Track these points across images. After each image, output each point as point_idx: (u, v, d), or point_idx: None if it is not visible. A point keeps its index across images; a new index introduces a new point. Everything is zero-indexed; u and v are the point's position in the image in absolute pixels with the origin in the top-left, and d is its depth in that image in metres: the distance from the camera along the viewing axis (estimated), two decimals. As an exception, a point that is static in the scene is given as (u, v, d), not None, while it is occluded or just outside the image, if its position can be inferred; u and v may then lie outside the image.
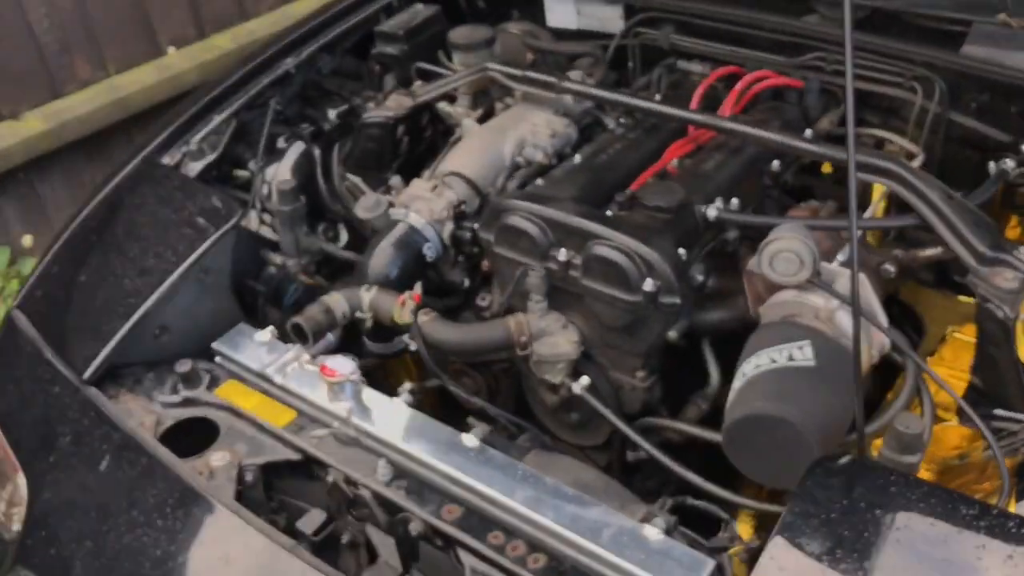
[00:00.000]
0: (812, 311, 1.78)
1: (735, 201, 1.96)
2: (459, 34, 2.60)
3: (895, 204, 2.01)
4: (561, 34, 2.69)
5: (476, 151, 2.22)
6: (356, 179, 2.48)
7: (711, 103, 2.25)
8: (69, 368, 1.90)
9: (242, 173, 2.43)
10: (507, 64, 2.41)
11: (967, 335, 1.97)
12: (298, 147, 2.49)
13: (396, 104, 2.42)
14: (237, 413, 1.84)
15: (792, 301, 1.80)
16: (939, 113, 2.15)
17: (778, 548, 1.34)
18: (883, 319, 1.75)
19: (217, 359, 1.97)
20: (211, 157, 2.36)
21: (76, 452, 1.79)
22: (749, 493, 1.92)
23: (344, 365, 1.78)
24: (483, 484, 1.62)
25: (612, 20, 2.58)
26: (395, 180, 2.22)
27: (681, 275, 1.82)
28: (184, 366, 1.88)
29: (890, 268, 1.89)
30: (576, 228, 1.88)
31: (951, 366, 1.91)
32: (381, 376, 2.21)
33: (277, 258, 2.22)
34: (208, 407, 1.86)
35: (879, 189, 2.19)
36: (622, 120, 2.28)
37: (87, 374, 1.89)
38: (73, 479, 1.75)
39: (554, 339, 1.91)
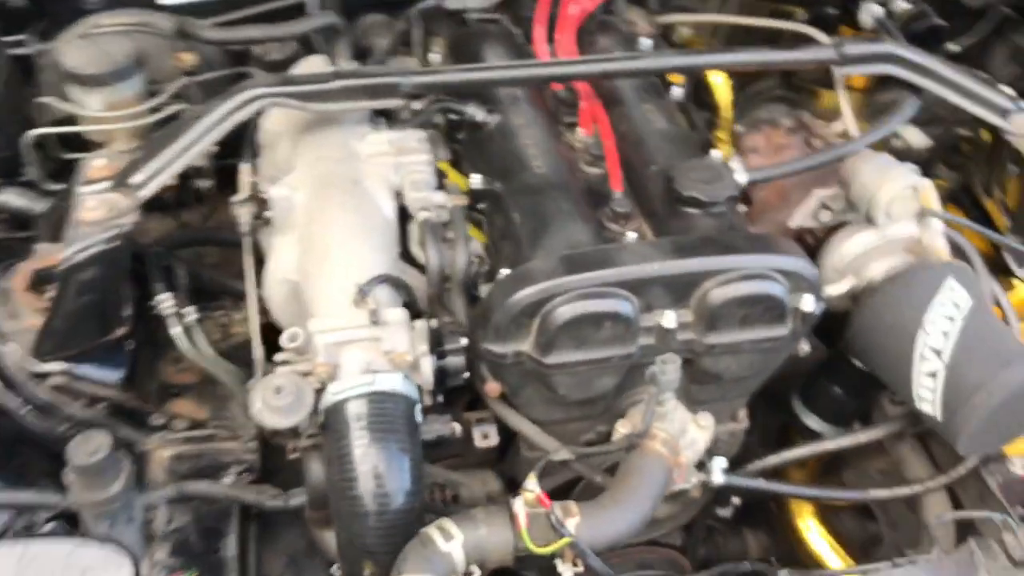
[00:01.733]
0: (905, 245, 1.48)
1: (718, 154, 1.50)
2: (84, 61, 1.50)
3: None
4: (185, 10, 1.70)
5: (352, 233, 1.33)
6: (61, 365, 1.36)
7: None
8: None
9: None
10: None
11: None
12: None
13: (111, 209, 1.32)
14: None
15: (877, 244, 1.47)
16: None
17: None
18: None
19: None
20: None
21: None
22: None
23: None
24: None
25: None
26: (293, 334, 1.22)
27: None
28: None
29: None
30: (678, 274, 1.25)
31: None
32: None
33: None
34: None
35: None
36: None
37: None
38: None
39: (691, 437, 1.31)
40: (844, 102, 1.60)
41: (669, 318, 1.26)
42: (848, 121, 1.59)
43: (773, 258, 1.28)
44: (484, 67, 1.49)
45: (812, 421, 1.66)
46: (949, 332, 1.35)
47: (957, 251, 1.55)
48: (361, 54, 1.70)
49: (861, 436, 1.53)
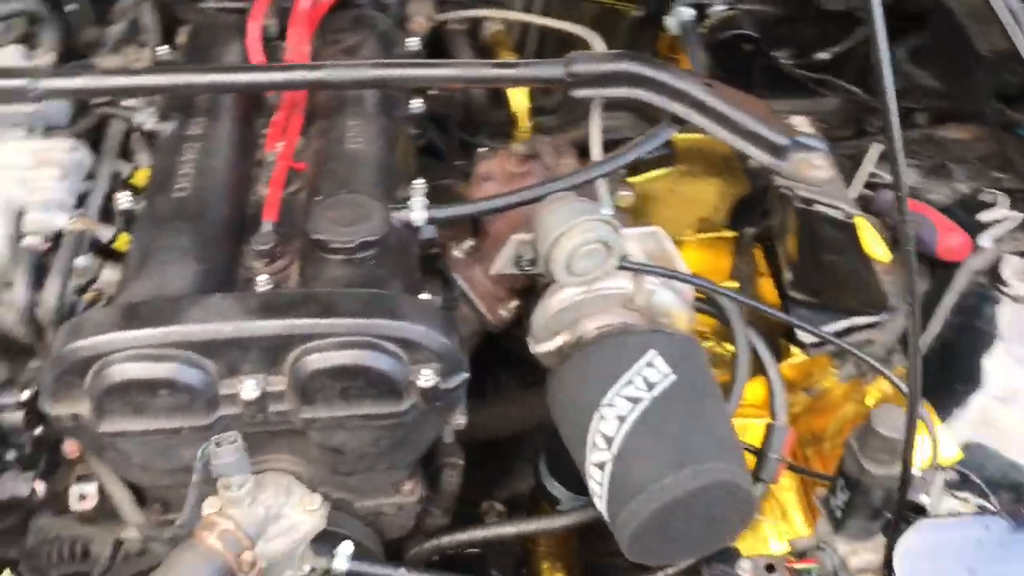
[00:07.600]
0: (619, 301, 1.23)
1: (420, 185, 1.27)
2: None
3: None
4: None
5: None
6: None
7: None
8: None
9: None
10: None
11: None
12: None
13: None
14: None
15: (583, 300, 1.23)
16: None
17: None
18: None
19: None
20: None
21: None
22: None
23: None
24: None
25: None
26: None
27: (455, 336, 1.12)
28: None
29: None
30: (261, 335, 1.05)
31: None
32: None
33: None
34: None
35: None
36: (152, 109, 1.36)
37: None
38: None
39: (287, 522, 1.11)
40: (594, 127, 1.35)
41: (249, 388, 1.06)
42: (595, 149, 1.34)
43: (383, 323, 1.06)
44: (134, 72, 1.30)
45: (554, 488, 1.45)
46: (626, 418, 1.11)
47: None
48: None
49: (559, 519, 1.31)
